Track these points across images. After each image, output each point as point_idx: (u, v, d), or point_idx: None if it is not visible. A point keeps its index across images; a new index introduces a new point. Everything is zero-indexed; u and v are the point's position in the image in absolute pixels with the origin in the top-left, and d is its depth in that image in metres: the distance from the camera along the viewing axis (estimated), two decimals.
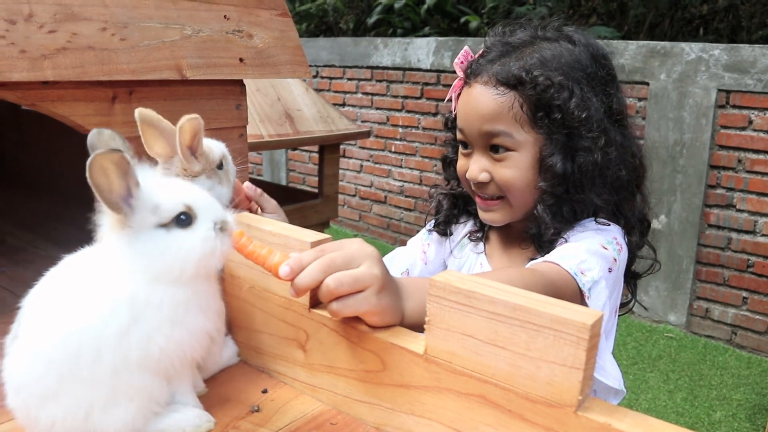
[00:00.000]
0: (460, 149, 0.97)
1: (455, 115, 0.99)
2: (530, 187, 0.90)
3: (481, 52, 0.95)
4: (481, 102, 0.89)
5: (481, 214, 0.97)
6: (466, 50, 0.96)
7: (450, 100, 1.00)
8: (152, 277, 0.58)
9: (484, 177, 0.91)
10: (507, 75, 0.87)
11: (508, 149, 0.89)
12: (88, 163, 0.52)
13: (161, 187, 0.59)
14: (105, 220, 0.60)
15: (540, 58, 0.88)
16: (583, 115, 0.85)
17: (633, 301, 1.01)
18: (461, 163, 0.97)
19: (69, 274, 0.60)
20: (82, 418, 0.56)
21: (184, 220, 0.59)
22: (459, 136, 0.96)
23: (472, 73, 0.93)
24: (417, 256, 1.10)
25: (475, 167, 0.92)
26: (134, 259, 0.58)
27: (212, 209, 0.61)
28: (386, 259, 1.06)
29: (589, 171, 0.86)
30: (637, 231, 0.94)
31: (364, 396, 0.65)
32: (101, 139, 0.60)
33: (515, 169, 0.89)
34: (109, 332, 0.56)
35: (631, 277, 0.97)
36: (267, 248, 0.63)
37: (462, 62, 0.95)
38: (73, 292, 0.57)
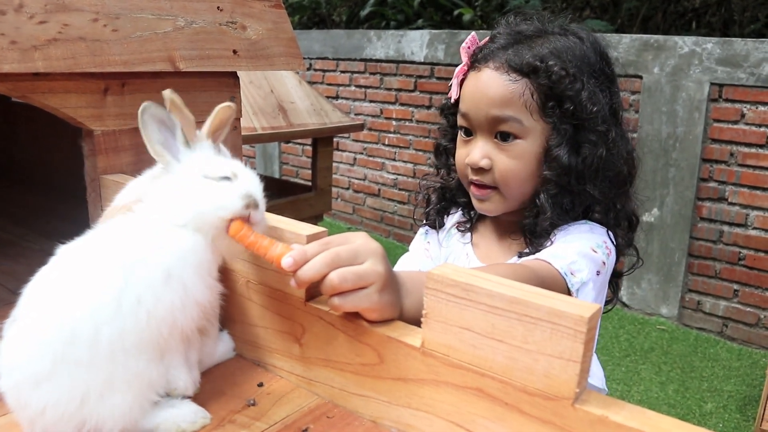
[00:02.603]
0: (461, 136, 0.96)
1: (454, 101, 0.97)
2: (530, 178, 0.90)
3: (487, 39, 0.95)
4: (492, 87, 0.88)
5: (475, 203, 0.96)
6: (474, 36, 0.95)
7: (451, 85, 0.98)
8: (171, 218, 0.62)
9: (485, 163, 0.90)
10: (520, 62, 0.87)
11: (516, 137, 0.89)
12: (139, 111, 0.63)
13: (218, 156, 0.69)
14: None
15: (552, 48, 0.88)
16: (594, 109, 0.86)
17: (615, 299, 1.01)
18: (461, 150, 0.95)
19: (67, 259, 0.60)
20: (77, 405, 0.54)
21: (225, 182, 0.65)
22: (461, 121, 0.94)
23: (482, 59, 0.92)
24: (423, 256, 1.09)
25: (477, 152, 0.91)
26: (160, 203, 0.64)
27: (252, 184, 0.66)
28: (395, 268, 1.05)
29: (593, 164, 0.87)
30: (626, 228, 0.95)
31: (361, 389, 0.65)
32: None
33: (518, 160, 0.89)
34: (106, 305, 0.55)
35: (613, 276, 0.97)
36: (268, 239, 0.63)
37: (469, 47, 0.94)
38: (69, 272, 0.57)
